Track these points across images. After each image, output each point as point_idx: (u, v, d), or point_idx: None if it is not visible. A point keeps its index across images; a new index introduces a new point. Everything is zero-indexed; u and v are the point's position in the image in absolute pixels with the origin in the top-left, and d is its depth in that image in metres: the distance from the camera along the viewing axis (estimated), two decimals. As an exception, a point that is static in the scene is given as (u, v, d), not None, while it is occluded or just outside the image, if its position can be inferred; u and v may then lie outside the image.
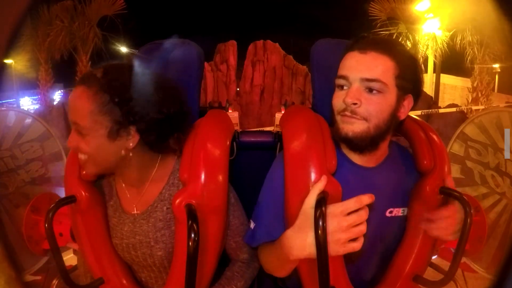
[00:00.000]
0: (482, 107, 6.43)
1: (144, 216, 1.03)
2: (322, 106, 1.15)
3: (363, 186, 0.98)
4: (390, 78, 0.93)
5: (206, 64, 8.04)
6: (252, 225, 1.05)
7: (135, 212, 1.04)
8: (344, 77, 0.95)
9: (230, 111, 1.86)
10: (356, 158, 1.03)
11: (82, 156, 0.90)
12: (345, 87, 0.95)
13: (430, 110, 5.32)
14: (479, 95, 6.76)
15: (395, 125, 1.00)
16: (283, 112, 1.45)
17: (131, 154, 0.93)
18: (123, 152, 0.91)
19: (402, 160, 1.09)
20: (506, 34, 0.58)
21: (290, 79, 8.27)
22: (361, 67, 0.93)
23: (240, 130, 1.43)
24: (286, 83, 8.24)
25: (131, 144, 0.91)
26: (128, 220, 1.05)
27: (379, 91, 0.92)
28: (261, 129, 5.85)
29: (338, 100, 0.96)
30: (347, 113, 0.93)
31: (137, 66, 0.94)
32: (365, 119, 0.93)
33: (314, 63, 1.21)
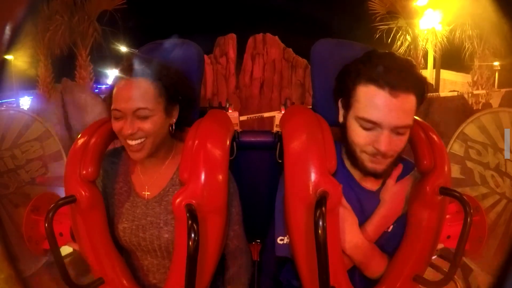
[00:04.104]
0: (483, 92, 6.44)
1: (156, 199, 1.10)
2: (322, 106, 1.15)
3: (361, 209, 1.03)
4: (413, 116, 0.94)
5: (205, 56, 8.03)
6: (286, 239, 1.04)
7: (148, 194, 1.11)
8: (374, 123, 0.92)
9: (230, 111, 1.86)
10: (362, 179, 1.06)
11: (138, 141, 1.01)
12: (372, 130, 0.93)
13: (432, 94, 5.29)
14: (479, 89, 6.76)
15: None
16: (283, 112, 1.45)
17: (172, 130, 1.08)
18: (168, 127, 1.07)
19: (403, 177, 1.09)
20: (504, 31, 0.58)
21: (289, 72, 8.23)
22: (394, 115, 0.90)
23: (240, 130, 1.43)
24: (286, 76, 8.20)
25: (174, 120, 1.08)
26: (141, 203, 1.11)
27: (405, 133, 0.94)
28: (260, 114, 5.90)
29: (365, 140, 0.94)
30: (379, 157, 0.95)
31: (163, 60, 1.11)
32: (392, 156, 0.96)
33: (314, 63, 1.21)
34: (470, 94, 6.25)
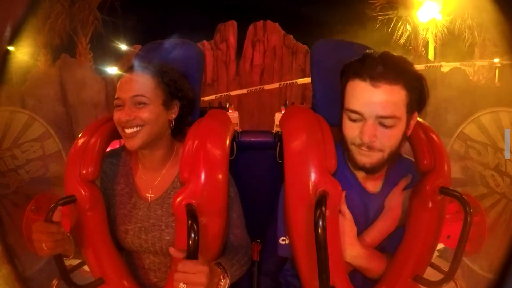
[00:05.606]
0: (486, 62, 6.40)
1: (158, 201, 1.11)
2: (322, 106, 1.15)
3: (363, 211, 1.04)
4: (402, 109, 0.93)
5: (206, 42, 8.04)
6: (288, 240, 1.03)
7: (150, 197, 1.12)
8: (357, 113, 0.94)
9: (230, 111, 1.86)
10: (366, 181, 1.05)
11: (134, 129, 1.04)
12: (358, 121, 0.95)
13: (434, 64, 5.22)
14: (480, 77, 6.74)
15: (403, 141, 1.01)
16: (283, 112, 1.45)
17: (172, 125, 1.11)
18: (167, 122, 1.10)
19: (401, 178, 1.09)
20: (503, 27, 0.58)
21: (290, 58, 8.21)
22: (376, 105, 0.92)
23: (240, 130, 1.43)
24: (286, 63, 8.17)
25: (173, 116, 1.11)
26: (144, 205, 1.12)
27: (393, 125, 0.93)
28: (261, 87, 5.93)
29: (352, 132, 0.96)
30: (364, 148, 0.95)
31: (164, 61, 1.16)
32: (381, 150, 0.95)
33: (314, 63, 1.21)
34: (473, 68, 6.19)
